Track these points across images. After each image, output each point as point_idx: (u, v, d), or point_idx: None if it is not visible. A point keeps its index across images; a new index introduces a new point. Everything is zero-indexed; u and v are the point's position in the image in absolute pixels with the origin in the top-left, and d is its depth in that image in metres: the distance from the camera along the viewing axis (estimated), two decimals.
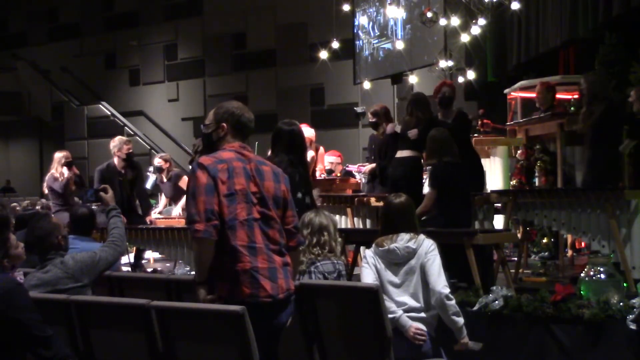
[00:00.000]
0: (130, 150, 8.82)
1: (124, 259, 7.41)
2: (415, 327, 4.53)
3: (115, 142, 8.72)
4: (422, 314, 4.60)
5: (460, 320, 4.57)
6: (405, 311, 4.57)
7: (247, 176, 3.78)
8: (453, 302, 4.57)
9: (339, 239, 4.94)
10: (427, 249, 4.63)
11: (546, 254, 7.96)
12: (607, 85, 7.05)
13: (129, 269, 8.08)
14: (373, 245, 4.77)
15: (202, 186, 3.67)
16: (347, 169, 10.43)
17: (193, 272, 5.50)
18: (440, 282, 4.54)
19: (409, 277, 4.62)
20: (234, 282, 3.67)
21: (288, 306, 3.83)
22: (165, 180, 9.89)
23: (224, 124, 3.91)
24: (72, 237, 5.15)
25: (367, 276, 4.69)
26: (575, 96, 8.58)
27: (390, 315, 4.36)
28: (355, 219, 8.13)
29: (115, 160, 8.70)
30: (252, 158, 3.87)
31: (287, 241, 3.89)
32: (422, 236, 4.69)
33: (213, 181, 3.69)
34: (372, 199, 8.08)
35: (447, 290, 4.54)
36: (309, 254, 4.75)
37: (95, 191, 5.10)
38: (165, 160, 9.85)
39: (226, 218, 3.69)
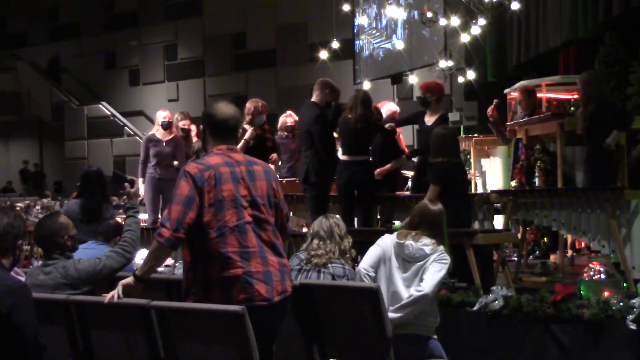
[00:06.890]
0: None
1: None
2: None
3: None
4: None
5: (395, 315, 4.49)
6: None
7: (236, 180, 3.72)
8: (420, 302, 4.50)
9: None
10: (439, 258, 4.60)
11: (537, 253, 8.00)
12: (600, 84, 6.96)
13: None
14: (396, 233, 4.78)
15: (182, 196, 3.64)
16: None
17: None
18: (430, 284, 4.52)
19: (414, 277, 4.61)
20: (227, 288, 3.65)
21: (284, 308, 3.81)
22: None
23: (202, 127, 3.89)
24: (94, 242, 5.43)
25: (370, 255, 4.72)
26: (575, 96, 8.57)
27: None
28: (355, 218, 8.09)
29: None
30: (240, 160, 3.81)
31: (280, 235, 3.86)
32: (442, 248, 4.67)
33: (198, 192, 3.65)
34: None
35: (428, 291, 4.50)
36: (326, 256, 4.78)
37: (121, 178, 4.58)
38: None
39: (214, 227, 3.65)
